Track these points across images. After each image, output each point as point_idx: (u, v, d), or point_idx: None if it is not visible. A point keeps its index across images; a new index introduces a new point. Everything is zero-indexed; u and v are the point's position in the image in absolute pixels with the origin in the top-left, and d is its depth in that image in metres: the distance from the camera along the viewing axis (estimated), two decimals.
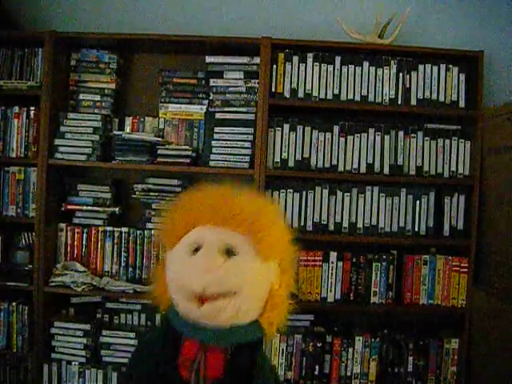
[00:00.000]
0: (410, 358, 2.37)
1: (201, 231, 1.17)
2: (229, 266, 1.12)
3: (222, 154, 2.36)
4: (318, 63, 2.37)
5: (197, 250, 1.14)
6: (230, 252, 1.13)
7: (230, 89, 2.41)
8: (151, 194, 2.44)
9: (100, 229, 2.43)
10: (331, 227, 2.38)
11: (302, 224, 2.37)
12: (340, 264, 2.38)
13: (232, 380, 1.12)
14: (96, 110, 2.46)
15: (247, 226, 1.15)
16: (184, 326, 1.15)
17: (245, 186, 1.21)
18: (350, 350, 2.36)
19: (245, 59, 2.39)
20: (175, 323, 1.17)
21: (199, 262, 1.12)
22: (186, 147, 2.40)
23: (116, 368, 2.36)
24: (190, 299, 1.11)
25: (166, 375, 1.15)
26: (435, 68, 2.38)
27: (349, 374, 2.37)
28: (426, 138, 2.40)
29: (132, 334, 2.39)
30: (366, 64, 2.37)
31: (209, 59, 2.41)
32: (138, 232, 2.42)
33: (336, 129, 2.39)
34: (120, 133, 2.40)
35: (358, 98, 2.37)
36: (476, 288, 2.34)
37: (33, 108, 2.38)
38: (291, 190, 2.38)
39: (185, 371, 1.13)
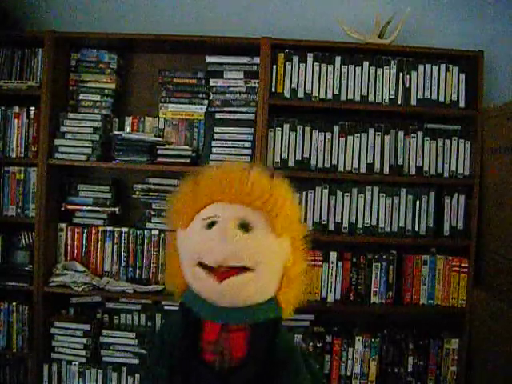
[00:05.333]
0: (410, 358, 2.37)
1: (216, 207, 1.18)
2: (245, 239, 1.13)
3: (221, 154, 2.36)
4: (318, 63, 2.37)
5: (212, 225, 1.15)
6: (245, 227, 1.15)
7: (230, 89, 2.41)
8: (151, 194, 2.44)
9: (100, 229, 2.43)
10: (331, 227, 2.38)
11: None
12: (340, 264, 2.38)
13: (255, 358, 1.12)
14: (96, 110, 2.46)
15: (261, 202, 1.16)
16: (203, 308, 1.15)
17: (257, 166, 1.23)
18: (350, 349, 2.36)
19: (245, 59, 2.39)
20: (194, 307, 1.17)
21: (216, 235, 1.12)
22: (186, 147, 2.40)
23: (116, 368, 2.37)
24: (208, 275, 1.11)
25: (189, 362, 1.14)
26: (435, 68, 2.38)
27: (349, 373, 2.37)
28: (426, 138, 2.40)
29: (132, 334, 2.39)
30: (365, 64, 2.37)
31: (209, 59, 2.41)
32: (138, 232, 2.42)
33: (336, 129, 2.39)
34: (120, 133, 2.40)
35: (357, 98, 2.37)
36: (476, 288, 2.34)
37: (33, 108, 2.38)
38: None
39: (208, 354, 1.13)
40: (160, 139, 2.41)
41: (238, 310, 1.14)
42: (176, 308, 1.27)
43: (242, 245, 1.12)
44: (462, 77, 2.38)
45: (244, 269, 1.12)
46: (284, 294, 1.19)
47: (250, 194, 1.16)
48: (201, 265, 1.13)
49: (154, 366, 1.24)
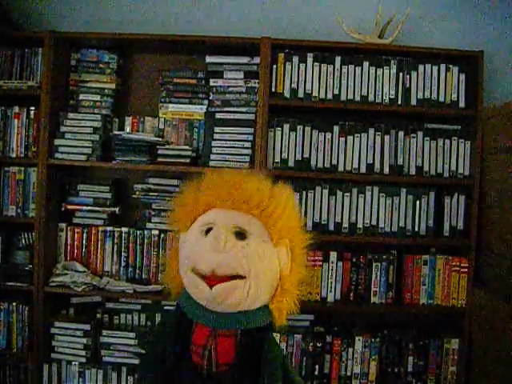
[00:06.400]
0: (410, 358, 2.37)
1: (214, 213, 1.19)
2: (239, 248, 1.14)
3: (221, 154, 2.36)
4: (318, 63, 2.37)
5: (209, 230, 1.17)
6: (241, 235, 1.16)
7: (230, 89, 2.41)
8: (151, 194, 2.44)
9: (100, 229, 2.43)
10: (331, 227, 2.38)
11: (302, 224, 2.37)
12: (340, 264, 2.38)
13: (242, 364, 1.14)
14: (96, 110, 2.46)
15: (259, 210, 1.17)
16: (195, 311, 1.17)
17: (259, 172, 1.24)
18: (350, 349, 2.36)
19: (245, 59, 2.39)
20: (186, 309, 1.19)
21: (209, 243, 1.14)
22: (186, 147, 2.40)
23: (116, 368, 2.37)
24: (201, 280, 1.13)
25: (178, 361, 1.16)
26: (435, 68, 2.38)
27: (349, 373, 2.37)
28: (426, 138, 2.40)
29: (132, 334, 2.39)
30: (365, 64, 2.37)
31: (209, 59, 2.41)
32: (138, 232, 2.42)
33: (336, 129, 2.39)
34: (120, 133, 2.40)
35: (357, 98, 2.37)
36: (476, 288, 2.34)
37: (33, 108, 2.38)
38: None
39: (196, 357, 1.15)
40: (160, 139, 2.41)
41: (228, 316, 1.15)
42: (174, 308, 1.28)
43: (234, 254, 1.13)
44: (462, 77, 2.38)
45: (236, 276, 1.13)
46: (277, 302, 1.19)
47: (248, 201, 1.17)
48: (195, 271, 1.15)
49: (146, 365, 1.26)
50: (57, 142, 2.36)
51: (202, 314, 1.16)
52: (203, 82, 2.45)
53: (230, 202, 1.18)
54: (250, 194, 1.18)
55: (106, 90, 2.47)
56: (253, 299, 1.15)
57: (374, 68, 2.37)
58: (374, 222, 2.39)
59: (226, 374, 1.13)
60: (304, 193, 2.37)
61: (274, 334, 1.32)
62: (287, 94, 2.37)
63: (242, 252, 1.14)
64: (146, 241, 2.42)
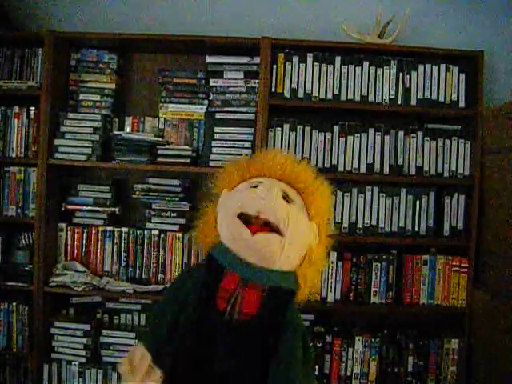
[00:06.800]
0: (410, 358, 2.37)
1: (264, 179, 1.32)
2: (284, 204, 1.25)
3: (222, 154, 2.36)
4: (317, 63, 2.37)
5: (257, 187, 1.27)
6: (286, 198, 1.27)
7: (230, 89, 2.41)
8: (151, 194, 2.44)
9: (100, 229, 2.43)
10: (331, 227, 2.38)
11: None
12: (340, 264, 2.38)
13: (264, 318, 1.21)
14: (96, 110, 2.46)
15: (304, 186, 1.32)
16: (230, 260, 1.25)
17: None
18: (350, 349, 2.36)
19: (245, 59, 2.39)
20: (221, 258, 1.27)
21: (259, 191, 1.26)
22: (186, 147, 2.40)
23: (116, 368, 2.36)
24: (245, 227, 1.22)
25: (203, 303, 1.24)
26: (435, 68, 2.38)
27: (349, 373, 2.37)
28: (426, 138, 2.40)
29: (132, 334, 2.39)
30: (365, 64, 2.37)
31: (209, 59, 2.41)
32: (138, 232, 2.42)
33: (336, 129, 2.39)
34: (120, 133, 2.40)
35: (357, 98, 2.37)
36: (476, 288, 2.34)
37: (33, 108, 2.39)
38: None
39: (222, 302, 1.23)
40: (160, 139, 2.41)
41: (260, 270, 1.22)
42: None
43: (280, 206, 1.24)
44: (462, 77, 2.38)
45: (275, 230, 1.22)
46: (304, 270, 1.28)
47: (297, 176, 1.31)
48: (240, 217, 1.23)
49: (168, 301, 1.35)
50: (57, 142, 2.36)
51: (237, 263, 1.23)
52: (203, 82, 2.45)
53: (280, 172, 1.31)
54: (299, 170, 1.33)
55: (106, 90, 2.47)
56: (285, 258, 1.23)
57: (374, 68, 2.37)
58: (374, 222, 2.39)
59: (248, 323, 1.20)
60: None
61: None
62: (287, 94, 2.37)
63: (286, 208, 1.24)
64: (146, 241, 2.42)
